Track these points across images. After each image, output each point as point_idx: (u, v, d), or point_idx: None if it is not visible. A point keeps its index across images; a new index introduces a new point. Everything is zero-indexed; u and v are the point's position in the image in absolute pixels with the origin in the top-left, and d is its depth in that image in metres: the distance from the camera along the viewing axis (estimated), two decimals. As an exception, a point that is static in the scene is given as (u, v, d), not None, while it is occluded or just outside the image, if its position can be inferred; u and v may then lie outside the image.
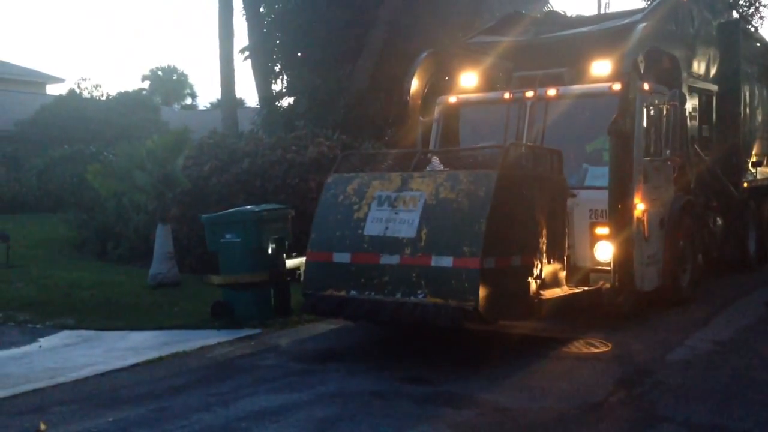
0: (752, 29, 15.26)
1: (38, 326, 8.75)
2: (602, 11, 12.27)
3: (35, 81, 38.76)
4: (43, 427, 5.30)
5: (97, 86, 39.25)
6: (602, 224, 8.31)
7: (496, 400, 5.88)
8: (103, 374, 6.73)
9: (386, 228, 6.99)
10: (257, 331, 8.40)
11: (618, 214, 8.06)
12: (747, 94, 12.41)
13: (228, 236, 8.85)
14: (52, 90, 38.08)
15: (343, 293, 7.12)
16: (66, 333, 8.43)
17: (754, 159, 12.76)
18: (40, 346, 7.86)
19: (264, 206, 9.40)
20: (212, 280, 9.01)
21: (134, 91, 33.48)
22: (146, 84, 55.09)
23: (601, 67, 9.21)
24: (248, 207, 9.40)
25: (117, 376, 6.73)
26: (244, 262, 8.76)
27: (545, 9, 19.92)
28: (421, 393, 6.08)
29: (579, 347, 7.53)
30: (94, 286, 10.73)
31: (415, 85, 10.29)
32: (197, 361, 7.27)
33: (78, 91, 34.12)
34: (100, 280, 11.17)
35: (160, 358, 7.26)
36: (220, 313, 8.75)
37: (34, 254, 13.68)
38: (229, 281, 8.78)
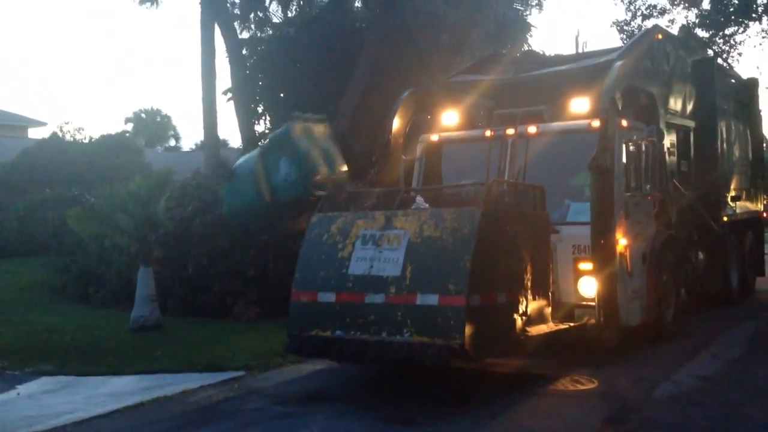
0: (727, 66, 15.56)
1: (16, 373, 8.56)
2: (580, 50, 12.41)
3: (17, 125, 38.70)
4: (20, 477, 5.16)
5: (79, 129, 39.22)
6: (585, 260, 8.35)
7: (483, 439, 5.82)
8: (82, 422, 6.58)
9: (371, 267, 6.97)
10: (241, 373, 8.28)
11: (601, 250, 8.10)
12: (723, 129, 12.61)
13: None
14: (35, 134, 38.08)
15: (328, 333, 7.05)
16: (45, 379, 8.26)
17: (732, 193, 12.92)
18: (18, 393, 7.69)
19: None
20: None
21: (117, 134, 33.48)
22: (129, 126, 55.17)
23: (580, 105, 9.34)
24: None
25: (97, 423, 6.59)
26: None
27: (524, 48, 20.27)
28: (408, 434, 5.99)
29: (565, 384, 7.49)
30: (74, 331, 10.57)
31: (397, 123, 10.38)
32: (179, 406, 7.14)
33: (60, 134, 34.11)
34: (81, 325, 11.00)
35: (142, 404, 7.12)
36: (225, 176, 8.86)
37: (14, 299, 13.48)
38: None
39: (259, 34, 21.56)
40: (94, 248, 13.63)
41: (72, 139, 33.76)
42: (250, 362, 8.61)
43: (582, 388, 7.36)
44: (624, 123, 9.00)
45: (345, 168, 9.25)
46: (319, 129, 9.59)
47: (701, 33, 19.40)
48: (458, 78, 11.63)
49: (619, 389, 7.33)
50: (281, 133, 8.99)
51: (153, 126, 57.05)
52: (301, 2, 21.15)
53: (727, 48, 20.53)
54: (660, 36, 10.84)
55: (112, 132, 33.57)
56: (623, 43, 17.50)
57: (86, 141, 32.43)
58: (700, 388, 7.37)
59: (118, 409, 6.96)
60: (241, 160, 9.17)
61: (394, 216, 7.23)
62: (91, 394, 7.57)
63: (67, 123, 55.44)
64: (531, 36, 21.93)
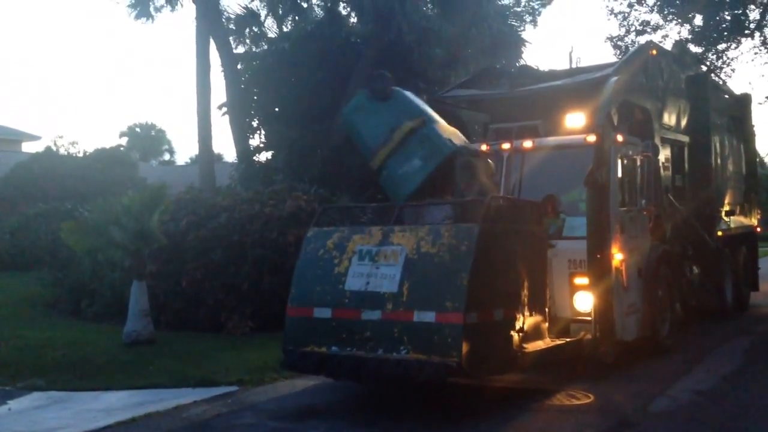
0: (720, 82, 15.66)
1: (7, 388, 8.46)
2: (573, 65, 12.48)
3: (11, 139, 38.61)
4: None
5: (73, 143, 39.26)
6: (581, 274, 8.34)
7: (479, 456, 5.77)
8: (74, 438, 6.52)
9: (367, 283, 6.93)
10: (234, 388, 8.21)
11: (596, 264, 8.09)
12: (718, 144, 12.67)
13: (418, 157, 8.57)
14: (29, 148, 37.94)
15: (324, 349, 7.00)
16: (36, 395, 8.17)
17: (727, 208, 12.96)
18: (9, 409, 7.60)
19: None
20: None
21: (111, 148, 33.31)
22: (124, 140, 55.19)
23: (575, 120, 9.37)
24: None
25: (88, 439, 6.52)
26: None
27: (518, 63, 20.37)
28: (404, 451, 5.94)
29: (561, 399, 7.45)
30: (66, 346, 10.47)
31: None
32: (172, 421, 7.05)
33: (54, 148, 33.99)
34: (74, 339, 10.91)
35: (134, 419, 7.04)
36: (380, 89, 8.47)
37: (5, 313, 13.38)
38: None
39: (254, 49, 21.62)
40: (87, 262, 13.56)
41: (66, 152, 33.64)
42: (244, 377, 8.54)
43: (578, 403, 7.33)
44: (619, 138, 9.03)
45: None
46: (483, 165, 8.91)
47: (694, 48, 19.52)
48: (453, 93, 11.67)
49: (615, 404, 7.30)
50: (445, 148, 8.61)
51: (147, 140, 57.07)
52: (296, 17, 21.21)
53: (720, 64, 20.66)
54: (655, 52, 10.90)
55: (107, 146, 33.43)
56: (617, 58, 17.60)
57: (80, 155, 32.32)
58: (696, 403, 7.35)
59: (110, 424, 6.88)
60: (400, 93, 8.63)
61: (391, 232, 7.20)
62: (83, 410, 7.49)
63: (61, 137, 55.56)
64: (525, 51, 22.06)
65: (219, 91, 27.83)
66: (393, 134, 8.50)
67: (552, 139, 9.51)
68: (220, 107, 20.43)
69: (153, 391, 8.13)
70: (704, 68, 15.60)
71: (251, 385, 8.36)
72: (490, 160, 8.82)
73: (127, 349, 10.23)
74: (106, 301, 12.99)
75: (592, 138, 8.70)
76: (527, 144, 9.41)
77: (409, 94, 9.55)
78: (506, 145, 9.51)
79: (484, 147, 9.75)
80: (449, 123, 10.67)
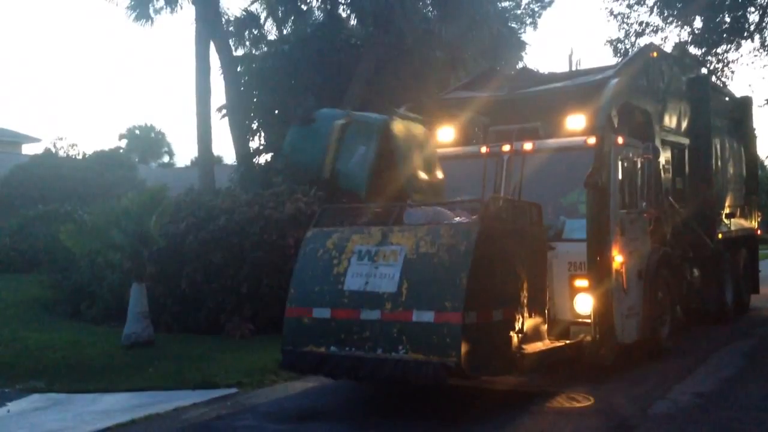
0: (721, 84, 15.66)
1: (7, 390, 8.44)
2: (573, 68, 12.47)
3: (11, 141, 38.62)
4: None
5: (73, 145, 39.29)
6: (581, 276, 8.32)
7: (479, 458, 5.76)
8: (72, 440, 6.50)
9: (366, 283, 6.92)
10: (234, 390, 8.20)
11: (597, 267, 8.09)
12: (718, 147, 12.66)
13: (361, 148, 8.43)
14: (28, 150, 38.00)
15: (323, 349, 6.99)
16: (36, 397, 8.16)
17: (727, 210, 12.94)
18: (8, 411, 7.58)
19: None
20: None
21: (111, 150, 33.32)
22: (123, 142, 55.19)
23: (576, 122, 9.35)
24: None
25: (87, 441, 6.50)
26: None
27: (518, 65, 20.38)
28: (403, 452, 5.93)
29: (561, 402, 7.44)
30: (66, 348, 10.45)
31: (393, 140, 10.33)
32: (171, 423, 7.05)
33: (54, 150, 34.01)
34: (73, 341, 10.89)
35: (133, 421, 7.03)
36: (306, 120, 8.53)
37: (5, 315, 13.35)
38: None
39: (253, 51, 21.65)
40: (86, 264, 13.55)
41: (66, 155, 33.67)
42: (243, 379, 8.52)
43: (578, 405, 7.31)
44: (620, 140, 9.02)
45: (441, 176, 8.86)
46: (418, 129, 9.15)
47: (694, 51, 19.52)
48: (453, 94, 11.65)
49: (615, 407, 7.28)
50: (377, 120, 8.60)
51: (147, 142, 57.05)
52: (296, 20, 21.22)
53: (720, 66, 20.66)
54: (655, 54, 10.90)
55: (106, 148, 33.48)
56: (617, 61, 17.59)
57: (80, 157, 32.35)
58: (696, 406, 7.33)
59: (109, 426, 6.87)
60: (323, 112, 8.74)
61: (390, 232, 7.19)
62: (82, 412, 7.47)
63: (61, 139, 55.37)
64: (525, 53, 22.10)
65: (219, 94, 27.89)
66: (329, 139, 8.54)
67: (552, 141, 9.50)
68: (219, 109, 20.45)
69: (152, 393, 8.13)
70: (705, 71, 15.60)
71: (251, 387, 8.35)
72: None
73: (126, 351, 10.21)
74: (105, 303, 12.97)
75: (592, 140, 8.70)
76: (527, 146, 9.40)
77: (332, 110, 9.60)
78: (506, 147, 9.50)
79: (484, 149, 9.74)
80: (449, 124, 10.67)
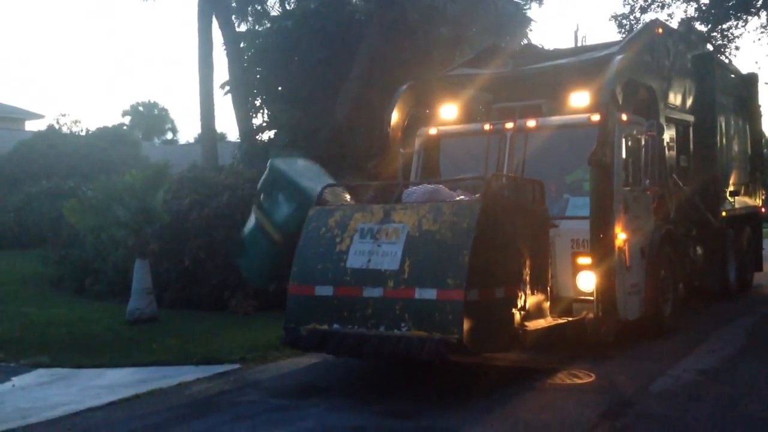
0: (726, 61, 15.54)
1: (12, 365, 8.53)
2: (579, 44, 12.37)
3: (14, 117, 38.58)
4: (14, 469, 5.13)
5: (76, 122, 39.23)
6: (584, 254, 8.32)
7: (479, 434, 5.79)
8: (77, 413, 6.55)
9: (369, 260, 6.93)
10: (237, 366, 8.26)
11: (600, 244, 8.07)
12: (723, 124, 12.59)
13: (281, 198, 8.40)
14: (32, 126, 37.95)
15: (325, 327, 7.01)
16: (41, 371, 8.23)
17: (731, 188, 12.90)
18: (13, 385, 7.65)
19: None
20: None
21: (114, 127, 33.30)
22: (127, 119, 55.10)
23: (580, 99, 9.29)
24: (309, 183, 8.51)
25: (92, 415, 6.55)
26: (280, 231, 8.32)
27: (523, 42, 20.20)
28: (403, 428, 5.98)
29: (562, 378, 7.47)
30: (70, 323, 10.53)
31: (396, 117, 10.32)
32: (175, 398, 7.11)
33: (57, 126, 33.96)
34: (77, 317, 10.97)
35: (137, 396, 7.09)
36: (236, 251, 8.73)
37: (10, 291, 13.45)
38: None
39: (256, 27, 21.45)
40: (90, 241, 13.60)
41: (69, 131, 33.65)
42: (246, 355, 8.58)
43: (579, 382, 7.34)
44: (624, 117, 8.96)
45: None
46: (300, 161, 9.47)
47: (700, 27, 19.34)
48: (457, 71, 11.58)
49: (616, 383, 7.31)
50: (266, 173, 8.70)
51: (150, 119, 56.96)
52: (300, -5, 21.03)
53: (725, 42, 20.47)
54: (660, 30, 10.79)
55: (109, 124, 33.45)
56: (623, 37, 17.43)
57: (83, 134, 32.33)
58: (698, 383, 7.36)
59: (114, 401, 6.94)
60: (246, 228, 8.87)
61: (392, 210, 7.19)
62: (87, 386, 7.54)
63: (64, 115, 55.46)
64: (530, 30, 21.84)
65: (222, 70, 27.76)
66: (256, 219, 8.66)
67: (556, 119, 9.45)
68: (222, 86, 20.32)
69: (156, 369, 8.19)
70: (710, 47, 15.46)
71: (254, 363, 8.40)
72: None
73: (130, 327, 10.29)
74: (109, 279, 13.04)
75: (596, 117, 8.65)
76: (531, 123, 9.36)
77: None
78: (510, 125, 9.46)
79: (487, 126, 9.70)
80: (452, 102, 10.63)
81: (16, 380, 7.85)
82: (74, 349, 9.15)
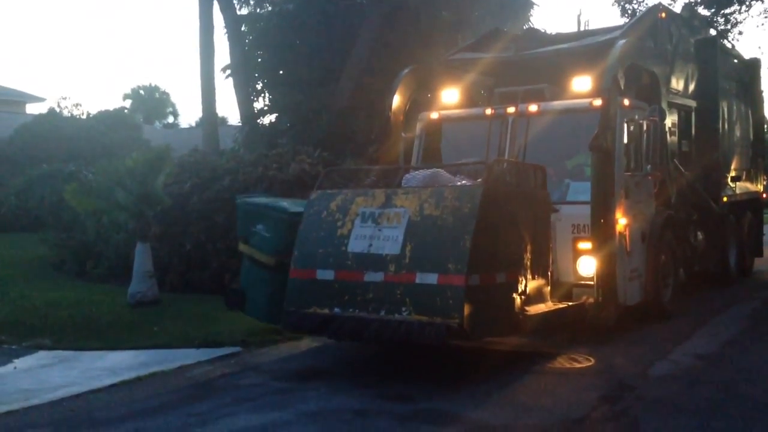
0: (729, 46, 15.45)
1: (14, 347, 8.57)
2: (582, 29, 12.31)
3: (15, 100, 38.51)
4: (16, 450, 5.16)
5: (77, 105, 39.13)
6: (585, 239, 8.33)
7: (478, 417, 5.83)
8: (79, 395, 6.59)
9: (370, 245, 6.93)
10: (238, 349, 8.29)
11: (600, 229, 8.08)
12: (725, 109, 12.55)
13: (259, 227, 8.49)
14: (32, 109, 37.87)
15: (326, 311, 7.03)
16: (42, 354, 8.26)
17: (733, 174, 12.89)
18: (15, 368, 7.69)
19: (299, 203, 8.73)
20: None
21: (115, 110, 33.21)
22: (128, 103, 55.01)
23: (582, 83, 9.27)
24: (282, 202, 8.84)
25: (93, 397, 6.59)
26: (269, 259, 8.41)
27: (525, 26, 20.12)
28: (404, 411, 6.01)
29: (562, 362, 7.50)
30: (72, 306, 10.54)
31: (397, 101, 10.30)
32: (176, 381, 7.14)
33: (58, 109, 33.92)
34: (79, 300, 10.98)
35: (139, 379, 7.13)
36: (235, 302, 8.65)
37: (11, 274, 13.45)
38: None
39: (258, 10, 21.37)
40: (91, 224, 13.60)
41: (70, 114, 33.59)
42: (247, 339, 8.61)
43: (579, 366, 7.37)
44: (626, 102, 8.94)
45: None
46: (262, 197, 9.56)
47: (703, 12, 19.24)
48: (459, 56, 11.54)
49: (616, 367, 7.34)
50: (238, 215, 8.89)
51: (151, 102, 56.86)
52: (301, -22, 20.90)
53: (728, 27, 20.38)
54: (663, 15, 10.74)
55: (110, 108, 33.40)
56: (626, 21, 17.34)
57: (84, 117, 32.29)
58: (696, 367, 7.39)
59: (115, 383, 6.97)
60: (241, 277, 8.98)
61: (394, 194, 7.18)
62: (88, 369, 7.58)
63: (64, 98, 55.13)
64: (533, 14, 21.77)
65: (223, 54, 27.70)
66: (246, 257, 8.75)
67: (558, 103, 9.43)
68: (224, 69, 20.26)
69: (157, 352, 8.23)
70: (713, 32, 15.39)
71: (254, 346, 8.44)
72: None
73: (131, 310, 10.30)
74: (110, 262, 13.05)
75: (598, 102, 8.63)
76: (533, 108, 9.34)
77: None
78: (511, 109, 9.44)
79: (489, 111, 9.67)
80: (454, 86, 10.59)
81: (18, 362, 7.89)
82: (76, 331, 9.18)
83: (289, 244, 7.91)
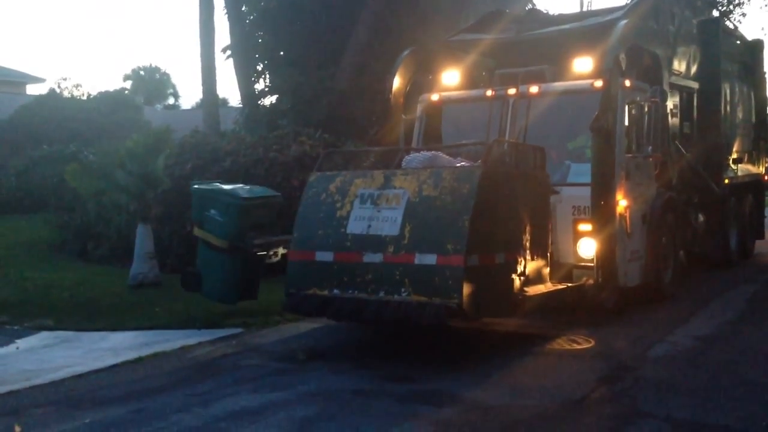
0: (732, 27, 15.36)
1: (16, 327, 8.62)
2: (584, 9, 12.26)
3: (15, 81, 38.36)
4: (17, 429, 5.20)
5: (77, 86, 39.08)
6: (585, 221, 8.33)
7: (477, 397, 5.86)
8: (81, 375, 6.63)
9: (369, 226, 6.92)
10: (239, 330, 8.33)
11: (601, 211, 8.08)
12: (727, 91, 12.50)
13: (212, 212, 8.70)
14: (33, 90, 37.74)
15: (325, 292, 7.04)
16: (44, 334, 8.31)
17: (734, 156, 12.86)
18: (17, 348, 7.74)
19: (255, 190, 9.20)
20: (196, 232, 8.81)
21: (116, 91, 33.17)
22: (128, 84, 54.86)
23: (583, 64, 9.23)
24: (237, 187, 9.15)
25: (95, 377, 6.63)
26: (222, 242, 8.66)
27: (527, 7, 19.98)
28: (403, 391, 6.03)
29: (562, 344, 7.52)
30: (74, 287, 10.60)
31: (397, 83, 10.27)
32: (178, 361, 7.18)
33: (58, 90, 33.86)
34: (80, 281, 11.03)
35: (140, 359, 7.17)
36: (191, 284, 8.78)
37: (13, 255, 13.50)
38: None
39: (258, -10, 21.20)
40: (92, 205, 13.63)
41: (70, 95, 33.54)
42: (248, 320, 8.65)
43: (578, 347, 7.40)
44: (627, 83, 8.91)
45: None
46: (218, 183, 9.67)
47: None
48: (459, 37, 11.48)
49: (615, 349, 7.36)
50: (193, 201, 9.04)
51: (152, 83, 56.69)
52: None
53: (730, 8, 20.25)
54: (666, -5, 10.67)
55: (111, 89, 33.30)
56: (627, 2, 17.23)
57: (84, 98, 32.24)
58: (696, 349, 7.40)
59: (117, 363, 7.01)
60: (198, 260, 9.11)
61: (393, 175, 7.17)
62: (90, 349, 7.62)
63: (65, 79, 55.01)
64: (534, -5, 21.58)
65: (224, 34, 27.52)
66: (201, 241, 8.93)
67: (558, 85, 9.39)
68: (224, 50, 20.14)
69: (159, 332, 8.27)
70: (716, 13, 15.29)
71: (256, 327, 8.47)
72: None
73: (133, 291, 10.35)
74: (112, 243, 13.09)
75: (599, 83, 8.60)
76: (534, 89, 9.30)
77: None
78: (512, 91, 9.40)
79: (489, 92, 9.64)
80: (455, 67, 10.55)
81: (20, 343, 7.94)
82: (78, 312, 9.22)
83: (241, 228, 8.41)
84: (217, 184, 9.31)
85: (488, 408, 5.60)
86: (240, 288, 8.74)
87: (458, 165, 7.40)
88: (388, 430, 5.16)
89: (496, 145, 7.57)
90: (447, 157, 7.81)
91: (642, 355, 7.14)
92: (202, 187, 9.11)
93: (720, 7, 19.27)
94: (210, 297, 8.81)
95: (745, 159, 13.50)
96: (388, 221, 6.83)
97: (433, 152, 7.87)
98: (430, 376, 6.41)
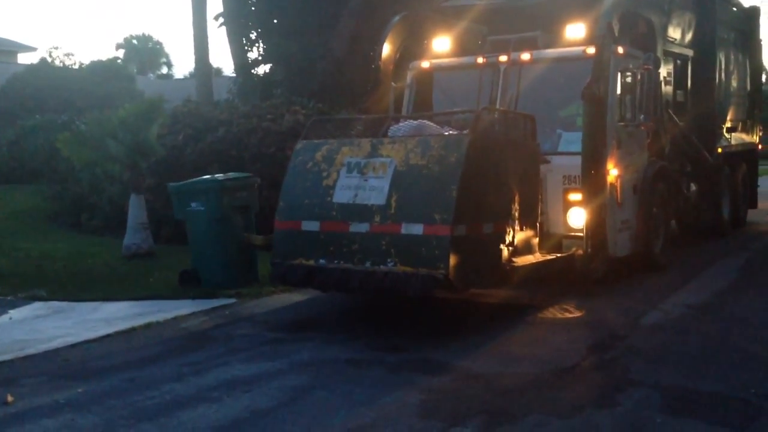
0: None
1: (9, 298, 8.62)
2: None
3: (6, 50, 38.05)
4: (10, 399, 5.24)
5: (69, 55, 38.66)
6: (575, 190, 8.29)
7: (469, 366, 5.89)
8: (73, 345, 6.66)
9: (355, 195, 6.87)
10: (232, 300, 8.35)
11: (591, 180, 8.03)
12: (722, 59, 12.40)
13: (193, 205, 8.81)
14: (24, 59, 37.42)
15: (311, 262, 7.01)
16: (37, 304, 8.33)
17: (728, 125, 12.80)
18: (10, 318, 7.76)
19: (230, 174, 9.36)
20: (254, 240, 8.76)
21: (108, 60, 32.83)
22: (120, 53, 54.32)
23: (576, 31, 9.14)
24: (212, 176, 9.38)
25: (88, 347, 6.66)
26: (209, 230, 8.72)
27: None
28: (396, 360, 6.07)
29: (553, 313, 7.55)
30: (67, 258, 10.61)
31: (387, 49, 10.14)
32: (171, 331, 7.21)
33: (50, 59, 33.52)
34: (74, 251, 11.04)
35: (133, 329, 7.19)
36: (190, 282, 8.76)
37: (5, 225, 13.50)
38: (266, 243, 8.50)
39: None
40: (86, 176, 13.60)
41: (62, 64, 33.22)
42: (242, 290, 8.66)
43: (569, 316, 7.43)
44: (620, 50, 8.82)
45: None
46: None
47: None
48: (451, 2, 11.34)
49: (606, 318, 7.38)
50: (173, 201, 9.14)
51: (145, 53, 56.17)
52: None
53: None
54: (660, -40, 10.53)
55: (103, 58, 33.03)
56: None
57: (76, 67, 31.94)
58: (686, 317, 7.43)
59: (110, 333, 7.04)
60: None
61: (380, 143, 7.11)
62: (84, 320, 7.65)
63: (56, 48, 54.53)
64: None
65: (216, 1, 27.11)
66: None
67: (551, 52, 9.30)
68: (216, 17, 19.95)
69: (152, 303, 8.29)
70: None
71: (249, 297, 8.49)
72: None
73: (126, 262, 10.37)
74: (105, 214, 13.08)
75: (591, 50, 8.51)
76: (525, 56, 9.21)
77: None
78: (504, 58, 9.31)
79: (480, 60, 9.55)
80: (446, 34, 10.44)
81: (13, 313, 7.96)
82: (71, 282, 9.25)
83: (224, 211, 8.55)
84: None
85: (480, 376, 5.64)
86: (238, 272, 8.81)
87: (446, 133, 7.34)
88: (380, 398, 5.20)
89: (485, 113, 7.48)
90: (434, 125, 7.75)
91: (633, 323, 7.17)
92: (178, 183, 9.20)
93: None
94: (213, 285, 8.76)
95: (739, 128, 13.44)
96: (375, 190, 6.77)
97: (420, 120, 7.80)
98: (423, 346, 6.44)
